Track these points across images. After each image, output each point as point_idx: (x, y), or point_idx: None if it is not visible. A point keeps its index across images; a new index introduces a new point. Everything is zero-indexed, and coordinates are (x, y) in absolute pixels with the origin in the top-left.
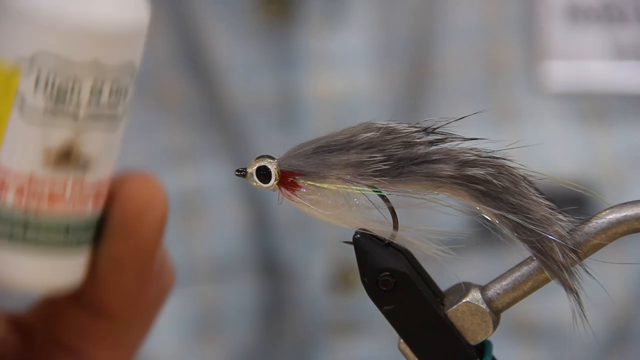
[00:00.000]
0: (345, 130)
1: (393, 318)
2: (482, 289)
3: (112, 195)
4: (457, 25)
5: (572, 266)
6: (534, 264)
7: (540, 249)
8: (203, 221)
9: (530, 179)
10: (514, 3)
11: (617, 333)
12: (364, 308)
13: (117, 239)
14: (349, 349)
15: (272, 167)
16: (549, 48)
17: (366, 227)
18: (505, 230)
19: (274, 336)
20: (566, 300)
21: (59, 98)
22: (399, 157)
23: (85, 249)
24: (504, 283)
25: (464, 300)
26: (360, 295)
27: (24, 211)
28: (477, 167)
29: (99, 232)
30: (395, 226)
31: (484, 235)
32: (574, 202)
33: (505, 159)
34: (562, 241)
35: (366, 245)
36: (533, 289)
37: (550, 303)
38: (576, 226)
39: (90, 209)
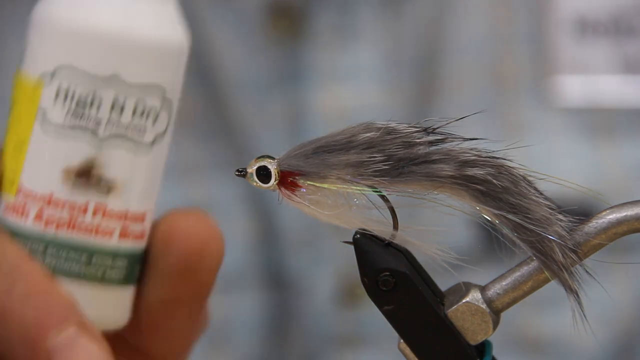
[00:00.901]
0: (345, 130)
1: (393, 318)
2: (482, 289)
3: (165, 233)
4: (465, 40)
5: (572, 266)
6: (534, 264)
7: (540, 249)
8: None
9: (530, 179)
10: (523, 17)
11: (622, 346)
12: (369, 322)
13: (173, 280)
14: None
15: (272, 167)
16: (558, 62)
17: (366, 227)
18: (505, 230)
19: (280, 349)
20: (570, 314)
21: (78, 112)
22: (399, 157)
23: (120, 287)
24: (504, 283)
25: (464, 300)
26: (366, 310)
27: (42, 233)
28: (477, 167)
29: (144, 271)
30: (395, 226)
31: (487, 248)
32: (582, 214)
33: (505, 159)
34: (562, 241)
35: (366, 245)
36: (533, 289)
37: (554, 317)
38: (576, 226)
39: (115, 239)
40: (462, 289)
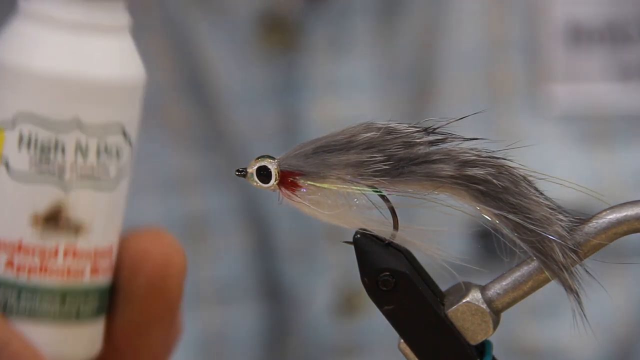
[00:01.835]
0: (346, 130)
1: (393, 318)
2: (482, 289)
3: (128, 258)
4: (459, 50)
5: (572, 266)
6: (534, 264)
7: (540, 248)
8: (207, 245)
9: (530, 179)
10: (517, 26)
11: (621, 354)
12: (367, 332)
13: (142, 302)
14: None
15: (272, 167)
16: (552, 70)
17: (366, 227)
18: (506, 230)
19: None
20: (570, 324)
21: (43, 158)
22: (399, 157)
23: (93, 320)
24: (504, 283)
25: (464, 300)
26: (363, 319)
27: (15, 279)
28: (477, 167)
29: (112, 296)
30: (396, 226)
31: (487, 249)
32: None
33: (505, 159)
34: (562, 241)
35: (366, 245)
36: (533, 289)
37: (551, 326)
38: (576, 226)
39: (87, 277)
40: (462, 288)
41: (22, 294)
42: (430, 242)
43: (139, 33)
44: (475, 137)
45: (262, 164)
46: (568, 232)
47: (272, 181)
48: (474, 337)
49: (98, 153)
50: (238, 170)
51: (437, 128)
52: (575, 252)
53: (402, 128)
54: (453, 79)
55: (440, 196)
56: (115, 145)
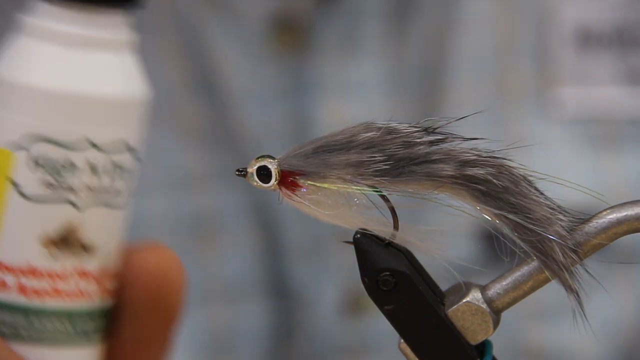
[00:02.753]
0: (346, 130)
1: (393, 318)
2: (483, 289)
3: (127, 275)
4: (469, 52)
5: (573, 266)
6: (534, 263)
7: (540, 248)
8: (216, 244)
9: (530, 178)
10: (526, 30)
11: (627, 356)
12: (374, 333)
13: (142, 318)
14: None
15: (273, 167)
16: (561, 74)
17: (366, 227)
18: (506, 230)
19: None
20: (574, 328)
21: (52, 180)
22: (399, 157)
23: (97, 339)
24: (504, 283)
25: (464, 300)
26: (370, 320)
27: (25, 303)
28: (477, 167)
29: (115, 316)
30: (396, 226)
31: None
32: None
33: (505, 159)
34: (562, 241)
35: (366, 245)
36: (533, 289)
37: (555, 330)
38: (576, 226)
39: (96, 298)
40: (463, 288)
41: (32, 317)
42: (430, 242)
43: (152, 35)
44: (475, 137)
45: (262, 163)
46: (568, 232)
47: (272, 181)
48: (474, 337)
49: (109, 171)
50: (238, 170)
51: (437, 128)
52: (575, 252)
53: (402, 128)
54: (463, 81)
55: (441, 196)
56: (123, 163)
